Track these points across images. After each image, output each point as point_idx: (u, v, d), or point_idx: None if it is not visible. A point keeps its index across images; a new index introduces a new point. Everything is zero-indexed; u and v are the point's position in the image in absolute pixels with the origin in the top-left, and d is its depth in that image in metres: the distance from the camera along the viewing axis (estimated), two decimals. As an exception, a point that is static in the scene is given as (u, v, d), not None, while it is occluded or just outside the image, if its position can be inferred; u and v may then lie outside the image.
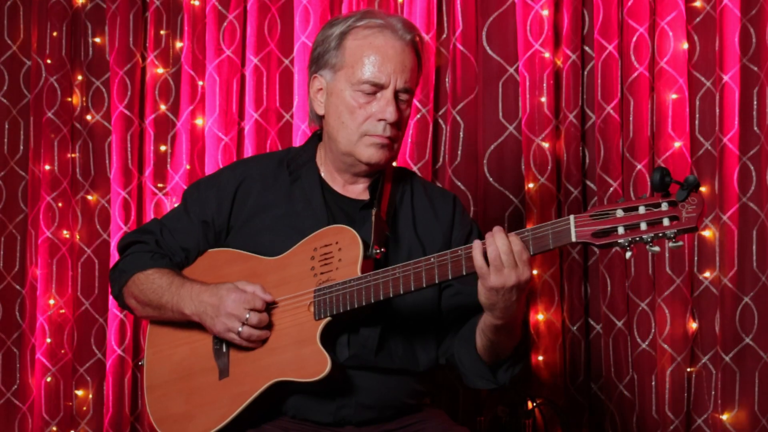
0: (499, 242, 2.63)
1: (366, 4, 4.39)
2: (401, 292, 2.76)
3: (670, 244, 2.46)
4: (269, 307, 2.91)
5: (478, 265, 2.66)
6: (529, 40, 4.20)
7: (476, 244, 2.67)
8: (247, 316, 2.85)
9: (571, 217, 2.56)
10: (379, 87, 2.94)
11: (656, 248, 2.48)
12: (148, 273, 3.05)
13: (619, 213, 2.51)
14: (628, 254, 2.52)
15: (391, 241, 2.99)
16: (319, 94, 3.06)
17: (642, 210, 2.49)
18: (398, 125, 2.98)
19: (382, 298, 2.78)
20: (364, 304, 2.79)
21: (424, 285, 2.73)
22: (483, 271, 2.66)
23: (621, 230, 2.50)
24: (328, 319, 2.84)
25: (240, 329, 2.85)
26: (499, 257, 2.63)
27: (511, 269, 2.64)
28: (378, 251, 2.87)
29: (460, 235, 3.10)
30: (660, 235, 2.47)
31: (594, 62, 4.17)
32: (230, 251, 3.05)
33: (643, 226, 2.48)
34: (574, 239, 2.55)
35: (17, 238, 4.88)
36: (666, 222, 2.46)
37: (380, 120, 2.94)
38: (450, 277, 2.71)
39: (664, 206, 2.48)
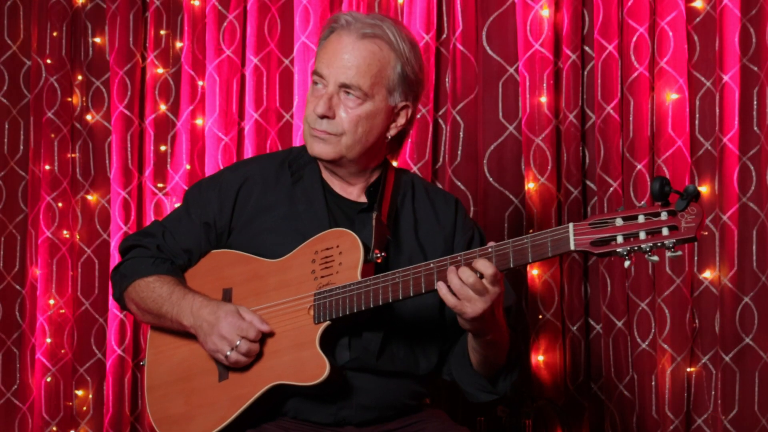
0: (463, 275, 2.65)
1: (366, 4, 4.39)
2: (400, 298, 2.75)
3: (669, 254, 2.45)
4: (268, 309, 2.92)
5: (452, 304, 2.68)
6: (529, 40, 4.19)
7: (440, 285, 2.68)
8: (238, 343, 2.85)
9: (570, 225, 2.55)
10: (321, 79, 2.96)
11: (655, 258, 2.47)
12: (149, 280, 3.05)
13: (619, 222, 2.50)
14: (627, 263, 2.51)
15: (392, 246, 2.99)
16: None
17: (641, 219, 2.48)
18: (333, 122, 2.95)
19: (381, 303, 2.77)
20: (363, 308, 2.79)
21: (424, 291, 2.73)
22: (458, 308, 2.68)
23: (620, 239, 2.50)
24: (328, 323, 2.84)
25: (228, 353, 2.86)
26: (464, 289, 2.65)
27: (488, 294, 2.66)
28: (379, 255, 2.87)
29: (462, 241, 3.10)
30: (659, 244, 2.46)
31: (594, 62, 4.16)
32: (233, 253, 3.06)
33: (642, 235, 2.48)
34: (572, 248, 2.54)
35: (17, 238, 4.88)
36: (665, 232, 2.45)
37: (314, 111, 2.96)
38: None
39: (664, 216, 2.47)
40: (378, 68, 2.96)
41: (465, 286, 2.64)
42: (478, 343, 2.85)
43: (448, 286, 2.67)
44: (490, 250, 2.66)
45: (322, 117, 2.94)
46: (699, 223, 2.44)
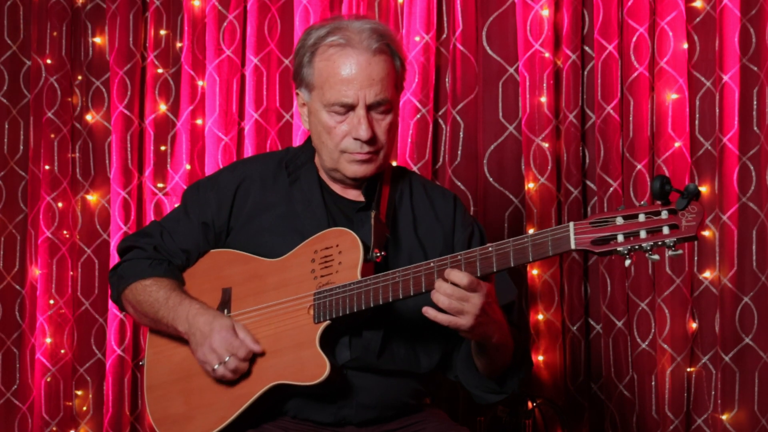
0: (443, 289, 2.65)
1: (366, 4, 4.38)
2: (401, 297, 2.75)
3: (670, 252, 2.46)
4: (269, 308, 2.92)
5: (447, 322, 2.67)
6: (529, 40, 4.19)
7: (426, 310, 2.68)
8: (227, 359, 2.85)
9: (571, 224, 2.55)
10: (349, 107, 2.92)
11: (656, 256, 2.47)
12: (146, 283, 3.05)
13: (619, 221, 2.50)
14: (628, 262, 2.51)
15: (391, 244, 2.99)
16: (303, 109, 3.06)
17: (642, 218, 2.49)
18: (375, 140, 2.95)
19: (381, 303, 2.77)
20: (363, 308, 2.79)
21: (424, 290, 2.72)
22: (453, 323, 2.68)
23: (620, 238, 2.50)
24: (328, 322, 2.84)
25: (215, 366, 2.86)
26: (453, 303, 2.65)
27: (472, 300, 2.65)
28: (378, 254, 2.86)
29: (462, 237, 3.10)
30: (659, 243, 2.46)
31: (594, 62, 4.16)
32: (232, 252, 3.05)
33: (643, 234, 2.48)
34: (573, 246, 2.54)
35: (17, 238, 4.87)
36: (666, 230, 2.45)
37: (356, 138, 2.93)
38: None
39: (664, 214, 2.47)
40: (393, 75, 2.98)
41: (451, 299, 2.65)
42: (485, 350, 2.85)
43: (436, 308, 2.67)
44: (490, 249, 2.66)
45: (367, 140, 2.93)
46: (699, 221, 2.45)
